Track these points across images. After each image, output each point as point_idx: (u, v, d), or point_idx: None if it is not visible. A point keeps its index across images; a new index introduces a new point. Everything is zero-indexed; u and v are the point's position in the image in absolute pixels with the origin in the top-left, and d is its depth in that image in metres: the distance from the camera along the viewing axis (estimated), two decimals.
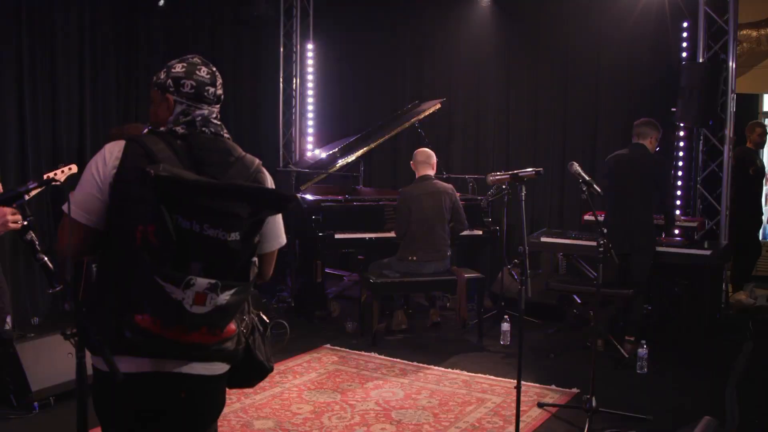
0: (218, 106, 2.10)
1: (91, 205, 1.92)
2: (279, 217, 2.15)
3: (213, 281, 1.79)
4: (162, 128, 2.01)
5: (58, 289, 2.34)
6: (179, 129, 1.98)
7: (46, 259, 2.36)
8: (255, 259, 1.99)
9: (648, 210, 5.17)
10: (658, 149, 5.34)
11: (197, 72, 2.03)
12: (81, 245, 1.95)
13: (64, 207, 1.91)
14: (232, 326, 1.95)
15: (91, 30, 6.20)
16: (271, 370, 2.15)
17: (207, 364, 1.98)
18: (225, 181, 1.91)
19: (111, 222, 1.93)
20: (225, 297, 1.82)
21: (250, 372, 2.11)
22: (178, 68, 2.04)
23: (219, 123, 2.07)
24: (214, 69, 2.10)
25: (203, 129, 2.01)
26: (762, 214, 7.48)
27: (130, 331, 1.84)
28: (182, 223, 1.78)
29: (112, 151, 1.95)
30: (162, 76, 2.04)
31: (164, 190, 1.76)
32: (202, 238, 1.79)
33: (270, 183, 2.11)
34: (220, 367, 2.02)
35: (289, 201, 1.91)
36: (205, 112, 2.03)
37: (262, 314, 2.18)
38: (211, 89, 2.05)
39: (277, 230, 2.15)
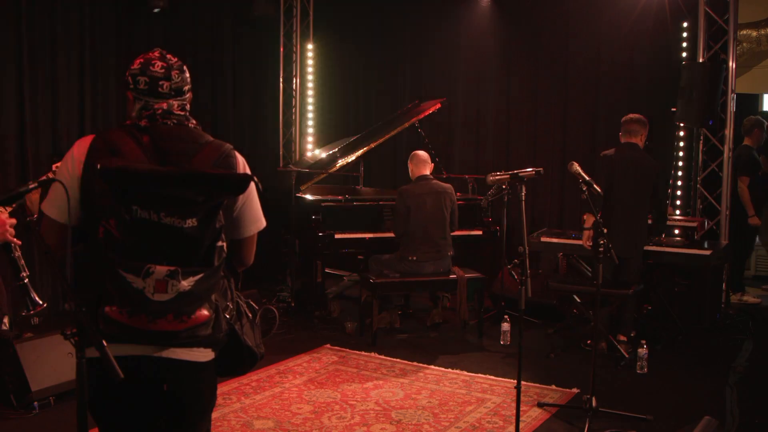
0: (181, 97, 2.07)
1: (63, 202, 1.94)
2: (255, 201, 2.12)
3: (172, 268, 1.82)
4: (128, 122, 2.04)
5: (32, 312, 2.32)
6: (142, 122, 2.01)
7: (27, 280, 2.35)
8: (223, 244, 1.96)
9: (645, 213, 5.12)
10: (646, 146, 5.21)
11: (151, 67, 2.04)
12: (56, 241, 2.00)
13: (42, 205, 1.98)
14: (204, 312, 1.92)
15: (91, 30, 6.20)
16: (261, 356, 2.17)
17: (187, 349, 1.97)
18: (176, 169, 1.91)
19: (82, 217, 1.97)
20: (188, 283, 1.84)
21: (239, 357, 2.12)
22: (136, 65, 2.06)
23: (183, 113, 2.06)
24: (173, 62, 2.07)
25: (165, 121, 2.01)
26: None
27: (103, 322, 1.87)
28: (140, 214, 1.82)
29: (80, 148, 1.99)
30: (126, 75, 2.07)
31: (116, 182, 1.80)
32: (160, 227, 1.83)
33: (242, 166, 2.07)
34: (203, 354, 2.01)
35: (244, 182, 1.89)
36: (165, 105, 2.02)
37: (251, 301, 2.19)
38: (166, 83, 2.03)
39: (253, 214, 2.13)
